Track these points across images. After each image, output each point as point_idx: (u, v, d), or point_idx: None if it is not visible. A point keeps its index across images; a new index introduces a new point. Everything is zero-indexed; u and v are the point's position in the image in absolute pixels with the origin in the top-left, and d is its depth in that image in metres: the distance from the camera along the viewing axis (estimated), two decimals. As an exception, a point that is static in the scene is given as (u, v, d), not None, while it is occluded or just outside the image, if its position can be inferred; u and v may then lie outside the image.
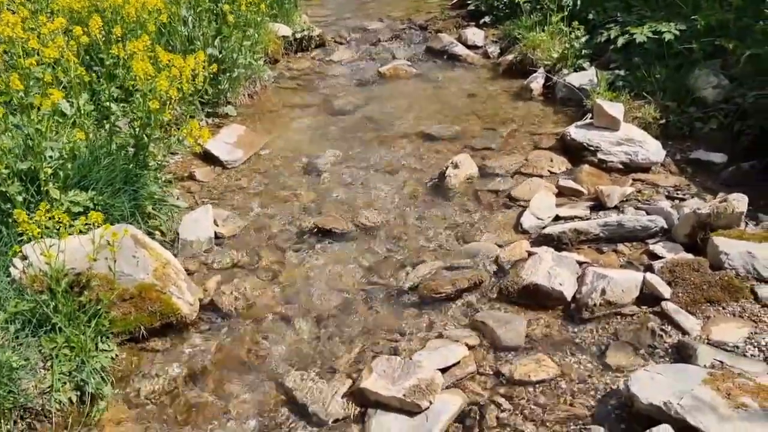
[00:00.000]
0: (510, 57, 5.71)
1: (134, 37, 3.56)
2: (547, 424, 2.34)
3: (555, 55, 5.24)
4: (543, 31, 5.51)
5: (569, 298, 2.88)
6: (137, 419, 2.53)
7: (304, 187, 4.06)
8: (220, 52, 4.89)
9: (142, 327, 2.81)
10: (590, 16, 5.37)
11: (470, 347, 2.70)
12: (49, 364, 2.50)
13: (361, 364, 2.68)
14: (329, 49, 6.61)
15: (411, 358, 2.59)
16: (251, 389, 2.64)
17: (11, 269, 2.73)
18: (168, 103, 3.29)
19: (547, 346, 2.70)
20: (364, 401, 2.48)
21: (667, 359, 2.56)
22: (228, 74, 5.02)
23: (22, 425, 2.40)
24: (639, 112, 4.25)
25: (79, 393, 2.51)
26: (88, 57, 4.04)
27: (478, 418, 2.40)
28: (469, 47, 6.23)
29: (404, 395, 2.38)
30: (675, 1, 4.86)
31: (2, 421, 2.34)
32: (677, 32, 4.47)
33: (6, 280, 2.70)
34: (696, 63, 4.35)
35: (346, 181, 4.12)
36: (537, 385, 2.51)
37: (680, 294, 2.82)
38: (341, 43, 6.77)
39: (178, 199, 3.78)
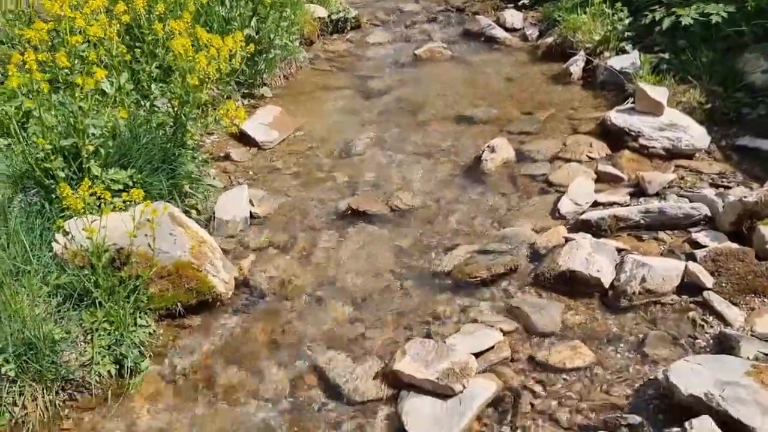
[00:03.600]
0: (549, 40, 5.59)
1: (174, 16, 3.58)
2: (583, 411, 2.31)
3: (596, 38, 5.11)
4: (584, 12, 5.37)
5: (607, 286, 2.82)
6: (173, 394, 2.57)
7: (338, 169, 4.05)
8: (257, 33, 4.89)
9: (178, 304, 2.84)
10: (634, -3, 5.22)
11: (505, 332, 2.67)
12: (89, 337, 2.56)
13: (393, 347, 2.67)
14: (365, 30, 6.56)
15: (445, 342, 2.58)
16: (284, 368, 2.66)
17: (53, 244, 2.79)
18: (206, 81, 3.30)
19: (584, 333, 2.66)
20: (397, 383, 2.48)
21: (708, 351, 2.50)
22: (264, 55, 5.02)
23: (64, 396, 2.47)
24: (684, 96, 4.13)
25: (117, 366, 2.57)
26: (128, 36, 4.08)
27: (512, 403, 2.38)
28: (507, 29, 6.12)
29: (438, 378, 2.37)
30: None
31: (45, 391, 2.40)
32: (725, 14, 4.31)
33: (48, 255, 2.76)
34: (745, 46, 4.20)
35: (381, 163, 4.10)
36: (572, 373, 2.48)
37: (723, 284, 2.75)
38: (377, 25, 6.71)
39: (214, 178, 3.81)
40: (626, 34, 4.95)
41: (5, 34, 4.39)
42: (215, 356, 2.73)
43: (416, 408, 2.34)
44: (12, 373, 2.29)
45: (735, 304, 2.67)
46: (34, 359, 2.35)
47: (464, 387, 2.36)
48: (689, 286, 2.77)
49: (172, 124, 3.52)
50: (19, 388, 2.34)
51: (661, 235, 3.13)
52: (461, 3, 7.02)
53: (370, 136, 4.41)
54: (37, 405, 2.37)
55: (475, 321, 2.76)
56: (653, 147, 3.79)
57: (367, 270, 3.17)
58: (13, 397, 2.33)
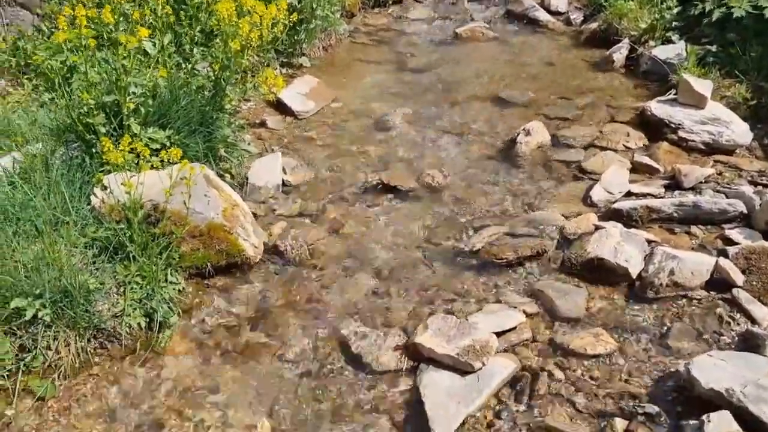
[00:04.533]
0: (593, 25, 5.49)
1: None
2: (600, 397, 2.32)
3: (642, 26, 5.00)
4: (632, -1, 5.26)
5: (634, 276, 2.81)
6: (198, 350, 2.64)
7: (372, 143, 4.07)
8: (299, 2, 4.89)
9: (208, 264, 2.91)
10: (685, -14, 5.07)
11: (528, 315, 2.68)
12: (122, 289, 2.64)
13: (416, 321, 2.70)
14: (406, 6, 6.51)
15: (467, 319, 2.60)
16: (307, 334, 2.71)
17: (92, 198, 2.87)
18: (247, 48, 3.33)
19: (607, 321, 2.66)
20: (417, 356, 2.51)
21: (733, 347, 2.48)
22: (305, 25, 5.03)
23: (95, 344, 2.56)
24: (729, 91, 4.04)
25: (147, 320, 2.65)
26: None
27: (529, 384, 2.39)
28: (551, 12, 6.02)
29: (458, 354, 2.40)
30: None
31: (77, 338, 2.49)
32: (781, 8, 4.19)
33: (86, 208, 2.84)
34: (798, 43, 4.08)
35: (415, 139, 4.10)
36: (592, 359, 2.48)
37: (754, 282, 2.72)
38: (419, 1, 6.66)
39: (249, 144, 3.86)
40: (674, 23, 4.84)
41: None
42: (241, 317, 2.80)
43: (435, 381, 2.38)
44: (48, 318, 2.38)
45: (764, 304, 2.63)
46: (69, 306, 2.43)
47: (483, 364, 2.39)
48: (718, 282, 2.74)
49: (211, 88, 3.56)
50: (54, 333, 2.43)
51: (694, 229, 3.09)
52: (506, -17, 6.91)
53: (406, 112, 4.40)
54: (69, 350, 2.46)
55: (498, 301, 2.78)
56: (693, 140, 3.72)
57: (394, 244, 3.20)
58: (47, 342, 2.42)
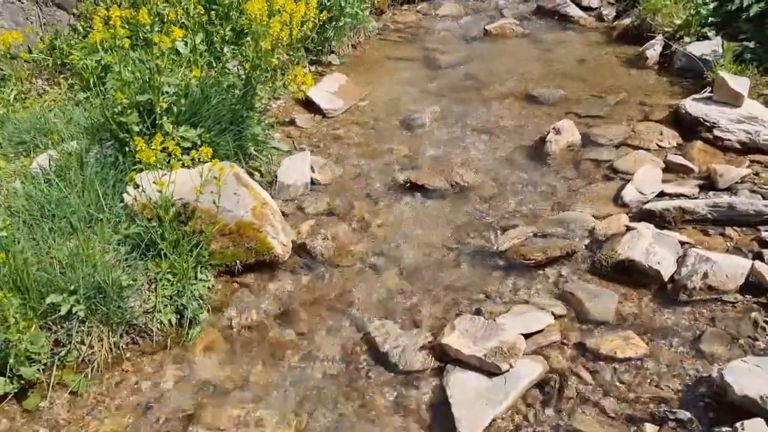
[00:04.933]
0: (626, 21, 5.40)
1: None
2: (630, 402, 2.29)
3: (677, 22, 4.90)
4: (667, -6, 5.16)
5: (666, 279, 2.76)
6: (227, 346, 2.68)
7: (400, 141, 4.06)
8: (329, 0, 4.91)
9: (237, 262, 2.94)
10: (722, -19, 4.96)
11: (556, 316, 2.66)
12: (153, 286, 2.68)
13: (443, 321, 2.70)
14: (436, 2, 6.48)
15: (495, 320, 2.58)
16: (335, 333, 2.73)
17: (125, 195, 2.92)
18: (277, 46, 3.35)
19: (638, 324, 2.62)
20: (444, 357, 2.51)
21: (768, 353, 2.42)
22: (334, 23, 5.05)
23: (127, 339, 2.61)
24: (767, 89, 3.93)
25: (178, 316, 2.69)
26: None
27: (557, 387, 2.37)
28: (582, 8, 5.94)
29: (485, 355, 2.39)
30: (823, -32, 4.40)
31: (110, 333, 2.54)
32: (822, 3, 4.07)
33: (119, 205, 2.89)
34: (840, 39, 3.96)
35: (444, 138, 4.09)
36: (622, 363, 2.45)
37: (791, 286, 2.65)
38: (448, -2, 6.62)
39: (279, 142, 3.88)
40: (709, 19, 4.73)
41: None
42: (269, 315, 2.82)
43: (461, 382, 2.37)
44: (82, 314, 2.43)
45: (802, 308, 2.57)
46: (102, 302, 2.49)
47: (511, 366, 2.37)
48: (754, 286, 2.68)
49: (242, 86, 3.60)
50: (88, 328, 2.48)
51: (729, 231, 3.03)
52: (537, -22, 6.83)
53: (435, 110, 4.38)
54: (102, 345, 2.52)
55: (526, 302, 2.76)
56: (728, 139, 3.64)
57: (422, 243, 3.19)
58: (81, 337, 2.48)
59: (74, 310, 2.41)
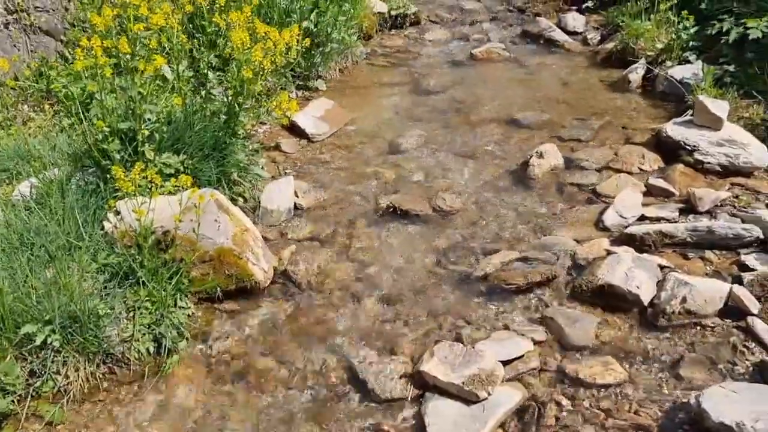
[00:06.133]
0: (610, 45, 5.46)
1: (236, 8, 3.66)
2: (608, 429, 2.28)
3: (659, 46, 4.97)
4: (648, 19, 5.23)
5: (646, 303, 2.76)
6: (206, 376, 2.66)
7: (385, 166, 4.08)
8: (315, 26, 4.96)
9: (218, 289, 2.93)
10: (702, 6, 5.02)
11: (536, 342, 2.65)
12: (131, 315, 2.67)
13: (423, 347, 2.69)
14: (424, 27, 6.55)
15: (474, 347, 2.58)
16: (315, 360, 2.71)
17: (105, 223, 2.92)
18: (261, 73, 3.38)
19: (617, 349, 2.62)
20: (423, 384, 2.50)
21: (747, 378, 2.42)
22: (321, 48, 5.09)
23: (104, 369, 2.59)
24: (746, 112, 3.98)
25: (156, 345, 2.67)
26: (191, 25, 4.21)
27: (536, 414, 2.36)
28: (568, 33, 6.01)
29: (463, 383, 2.38)
30: (800, -6, 4.48)
31: (87, 363, 2.52)
32: (799, 28, 4.13)
33: (99, 233, 2.89)
34: (818, 63, 4.01)
35: (428, 162, 4.11)
36: (601, 389, 2.44)
37: (770, 311, 2.65)
38: (436, 22, 6.70)
39: (263, 168, 3.89)
40: (690, 43, 4.80)
41: (78, 18, 4.61)
42: (249, 343, 2.81)
43: (439, 411, 2.36)
44: (57, 344, 2.42)
45: (780, 333, 2.57)
46: (78, 332, 2.47)
47: (489, 394, 2.36)
48: (733, 310, 2.69)
49: (225, 112, 3.62)
50: (63, 358, 2.47)
51: (708, 254, 3.04)
52: (522, 3, 6.93)
53: (420, 134, 4.41)
54: (78, 375, 2.50)
55: (507, 328, 2.75)
56: (708, 162, 3.67)
57: (404, 269, 3.19)
58: (57, 367, 2.46)
59: (50, 340, 2.40)
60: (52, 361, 2.44)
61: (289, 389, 2.59)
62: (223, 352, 2.76)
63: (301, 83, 5.07)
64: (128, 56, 3.16)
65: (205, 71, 3.99)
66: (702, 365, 2.50)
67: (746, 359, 2.50)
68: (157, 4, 3.28)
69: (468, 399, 2.37)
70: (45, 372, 2.43)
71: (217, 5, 3.67)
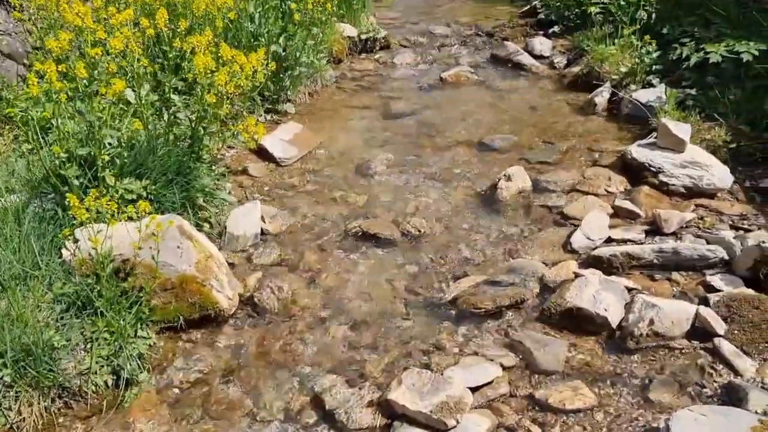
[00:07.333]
0: (576, 69, 5.55)
1: (200, 32, 3.63)
2: (578, 456, 2.25)
3: (623, 70, 5.06)
4: (613, 44, 5.33)
5: (614, 326, 2.76)
6: (168, 408, 2.56)
7: (354, 190, 4.05)
8: (284, 50, 4.95)
9: (180, 317, 2.85)
10: (664, 31, 5.14)
11: (505, 368, 2.62)
12: (89, 346, 2.57)
13: (391, 374, 2.64)
14: (394, 51, 6.59)
15: (442, 374, 2.54)
16: (281, 389, 2.64)
17: (63, 251, 2.83)
18: (226, 98, 3.34)
19: (586, 373, 2.60)
20: (391, 413, 2.44)
21: (716, 400, 2.42)
22: (290, 72, 5.07)
23: (59, 403, 2.48)
24: (708, 134, 4.05)
25: (115, 377, 2.57)
26: (156, 48, 4.16)
27: (506, 442, 2.32)
28: (535, 57, 6.09)
29: (431, 411, 2.33)
30: (757, 19, 4.60)
31: (41, 397, 2.42)
32: (756, 52, 4.23)
33: (57, 261, 2.80)
34: (775, 86, 4.11)
35: (397, 186, 4.09)
36: (571, 414, 2.41)
37: (736, 331, 2.67)
38: (406, 46, 6.75)
39: (229, 193, 3.83)
40: (654, 67, 4.89)
41: (39, 41, 4.52)
42: (213, 373, 2.73)
43: (408, 440, 2.30)
44: (8, 378, 2.31)
45: (747, 354, 2.58)
46: (32, 365, 2.37)
47: (457, 422, 2.31)
48: (700, 332, 2.69)
49: (189, 137, 3.56)
50: (16, 393, 2.36)
51: (675, 275, 3.06)
52: (491, 28, 7.04)
53: (389, 157, 4.40)
54: (32, 411, 2.39)
55: (475, 354, 2.72)
56: (673, 184, 3.71)
57: (372, 294, 3.15)
58: (9, 402, 2.35)
59: (0, 374, 2.29)
60: (4, 397, 2.33)
61: (254, 421, 2.51)
62: (185, 383, 2.68)
63: (270, 107, 5.04)
64: (86, 81, 3.10)
65: (170, 95, 3.93)
66: (671, 388, 2.49)
67: (714, 381, 2.50)
68: (117, 28, 3.23)
69: (437, 428, 2.32)
70: (-5, 408, 2.32)
71: (180, 30, 3.63)
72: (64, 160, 2.94)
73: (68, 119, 3.09)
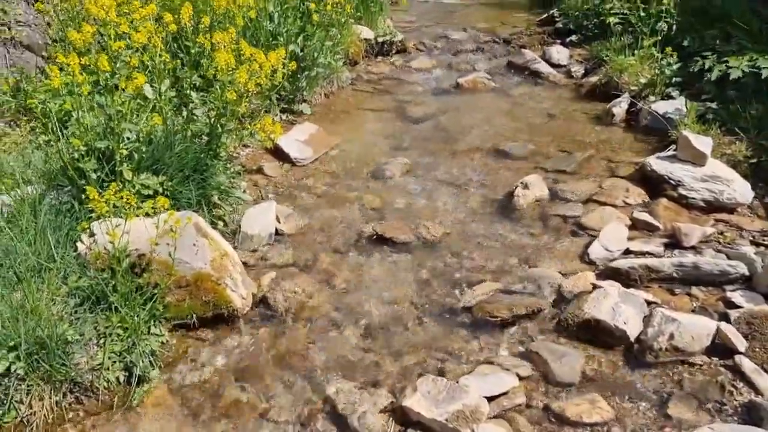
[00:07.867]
0: (594, 79, 5.51)
1: (222, 29, 3.61)
2: (596, 471, 2.21)
3: (642, 81, 5.02)
4: (632, 54, 5.29)
5: (633, 339, 2.71)
6: (178, 406, 2.54)
7: (369, 192, 4.02)
8: (302, 50, 4.93)
9: (194, 315, 2.83)
10: (685, 43, 5.09)
11: (521, 378, 2.58)
12: (102, 341, 2.55)
13: (405, 381, 2.61)
14: (410, 55, 6.58)
15: (458, 382, 2.50)
16: (292, 392, 2.61)
17: (78, 244, 2.82)
18: (245, 95, 3.32)
19: (604, 387, 2.55)
20: (405, 420, 2.40)
21: (736, 419, 2.37)
22: (307, 72, 5.06)
23: (71, 398, 2.46)
24: (729, 148, 4.00)
25: (126, 374, 2.56)
26: (176, 45, 4.15)
27: (521, 454, 2.28)
28: (552, 65, 6.06)
29: (446, 420, 2.29)
30: (780, 34, 4.56)
31: (53, 392, 2.40)
32: (779, 67, 4.19)
33: (72, 254, 2.78)
34: (798, 102, 4.06)
35: (412, 190, 4.06)
36: (588, 428, 2.37)
37: (757, 349, 2.62)
38: (422, 51, 6.73)
39: (244, 192, 3.82)
40: (674, 79, 4.85)
41: (59, 33, 4.52)
42: (225, 372, 2.70)
43: (422, 448, 2.27)
44: (21, 372, 2.30)
45: (768, 372, 2.54)
46: (45, 359, 2.35)
47: (472, 431, 2.28)
48: (720, 348, 2.65)
49: (207, 134, 3.55)
50: (28, 386, 2.34)
51: (695, 290, 3.01)
52: (508, 35, 7.01)
53: (404, 161, 4.37)
54: (43, 405, 2.37)
55: (491, 363, 2.68)
56: (693, 198, 3.67)
57: (386, 298, 3.12)
58: (20, 395, 2.33)
59: (13, 368, 2.28)
60: (16, 390, 2.31)
61: (263, 422, 2.48)
62: (196, 382, 2.65)
63: (285, 106, 5.03)
64: (107, 74, 3.09)
65: (188, 91, 3.92)
66: (690, 404, 2.45)
67: (734, 399, 2.46)
68: (141, 23, 3.22)
69: (451, 437, 2.28)
70: (7, 401, 2.30)
71: (202, 26, 3.62)
72: (83, 153, 2.93)
73: (87, 112, 3.08)
